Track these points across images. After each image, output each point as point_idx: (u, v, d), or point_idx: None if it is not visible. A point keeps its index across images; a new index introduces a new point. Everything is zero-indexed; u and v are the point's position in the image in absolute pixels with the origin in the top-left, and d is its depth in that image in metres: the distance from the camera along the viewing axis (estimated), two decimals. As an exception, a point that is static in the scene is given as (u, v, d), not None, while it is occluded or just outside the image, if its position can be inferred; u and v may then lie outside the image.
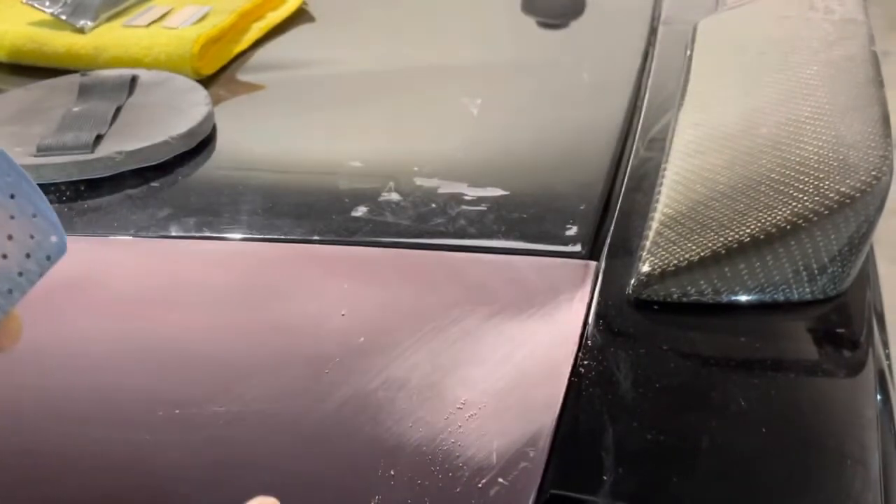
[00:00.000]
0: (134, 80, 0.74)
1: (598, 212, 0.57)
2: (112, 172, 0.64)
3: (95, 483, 0.41)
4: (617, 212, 0.56)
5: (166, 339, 0.49)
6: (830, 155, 0.50)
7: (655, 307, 0.48)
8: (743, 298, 0.48)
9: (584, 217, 0.56)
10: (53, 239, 0.33)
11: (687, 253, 0.48)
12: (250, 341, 0.48)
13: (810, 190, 0.48)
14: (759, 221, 0.48)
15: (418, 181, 0.61)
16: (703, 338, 0.47)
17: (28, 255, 0.32)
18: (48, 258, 0.33)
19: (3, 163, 0.32)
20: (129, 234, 0.58)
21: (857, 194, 0.47)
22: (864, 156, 0.49)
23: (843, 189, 0.47)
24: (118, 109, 0.70)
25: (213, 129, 0.69)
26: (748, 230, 0.48)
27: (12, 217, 0.32)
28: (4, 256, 0.32)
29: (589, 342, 0.46)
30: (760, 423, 0.41)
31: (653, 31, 0.82)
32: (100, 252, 0.57)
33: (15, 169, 0.32)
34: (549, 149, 0.65)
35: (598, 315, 0.48)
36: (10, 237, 0.32)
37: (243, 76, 0.80)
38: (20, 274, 0.32)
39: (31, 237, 0.32)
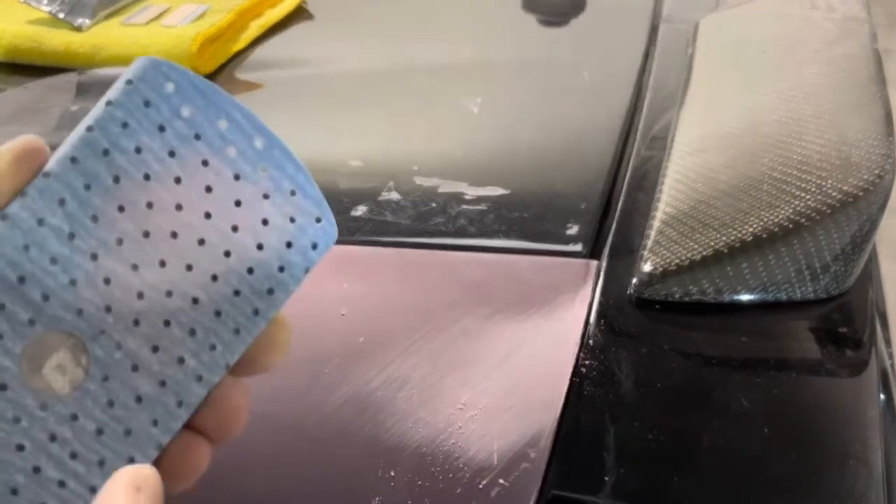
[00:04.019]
0: (132, 78, 0.73)
1: (600, 211, 0.57)
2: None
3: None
4: (618, 211, 0.56)
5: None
6: (833, 153, 0.50)
7: (657, 307, 0.48)
8: (745, 298, 0.47)
9: (585, 216, 0.56)
10: (319, 222, 0.25)
11: (689, 252, 0.48)
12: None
13: (813, 189, 0.48)
14: (762, 220, 0.48)
15: (418, 180, 0.61)
16: (705, 337, 0.46)
17: (289, 245, 0.25)
18: (314, 247, 0.26)
19: (249, 125, 0.23)
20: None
21: (860, 193, 0.46)
22: (866, 154, 0.49)
23: (845, 188, 0.47)
24: (117, 108, 0.69)
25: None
26: (750, 229, 0.47)
27: (266, 196, 0.24)
28: (260, 247, 0.24)
29: (590, 342, 0.46)
30: (763, 422, 0.41)
31: (654, 30, 0.82)
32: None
33: (265, 133, 0.24)
34: (550, 148, 0.65)
35: (599, 315, 0.48)
36: (265, 222, 0.24)
37: (242, 75, 0.80)
38: (281, 269, 0.25)
39: (292, 220, 0.25)
